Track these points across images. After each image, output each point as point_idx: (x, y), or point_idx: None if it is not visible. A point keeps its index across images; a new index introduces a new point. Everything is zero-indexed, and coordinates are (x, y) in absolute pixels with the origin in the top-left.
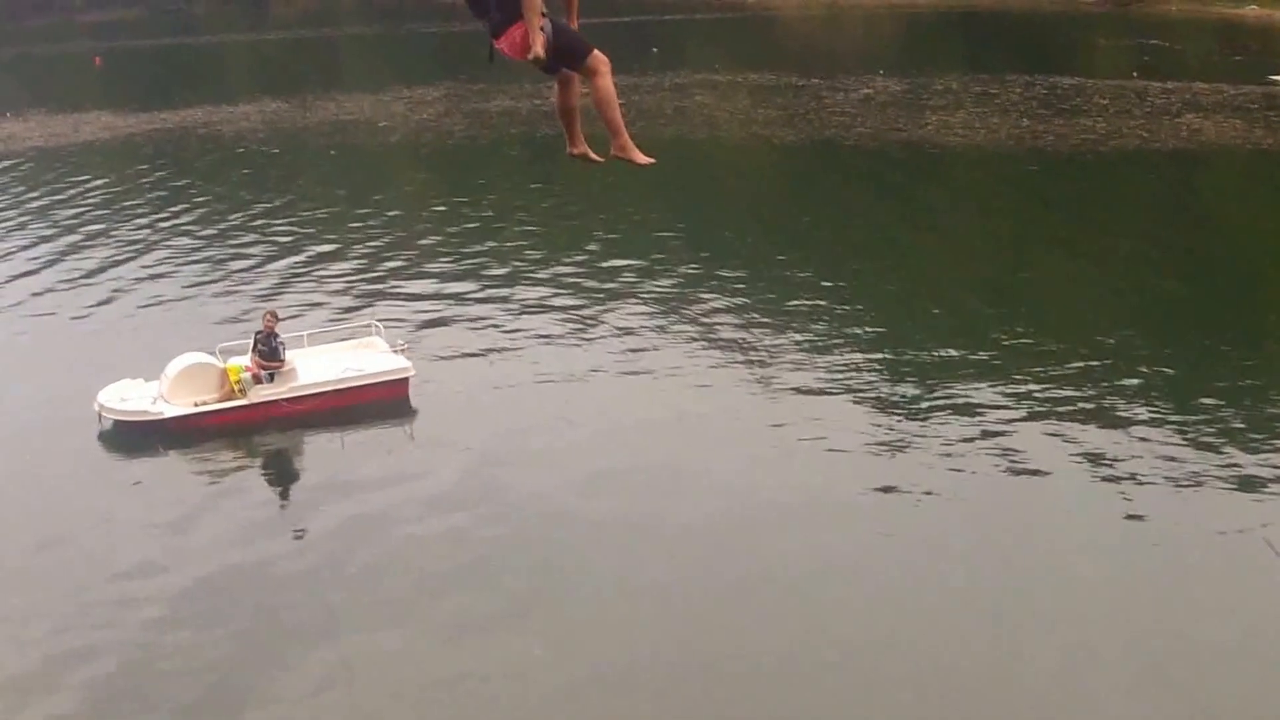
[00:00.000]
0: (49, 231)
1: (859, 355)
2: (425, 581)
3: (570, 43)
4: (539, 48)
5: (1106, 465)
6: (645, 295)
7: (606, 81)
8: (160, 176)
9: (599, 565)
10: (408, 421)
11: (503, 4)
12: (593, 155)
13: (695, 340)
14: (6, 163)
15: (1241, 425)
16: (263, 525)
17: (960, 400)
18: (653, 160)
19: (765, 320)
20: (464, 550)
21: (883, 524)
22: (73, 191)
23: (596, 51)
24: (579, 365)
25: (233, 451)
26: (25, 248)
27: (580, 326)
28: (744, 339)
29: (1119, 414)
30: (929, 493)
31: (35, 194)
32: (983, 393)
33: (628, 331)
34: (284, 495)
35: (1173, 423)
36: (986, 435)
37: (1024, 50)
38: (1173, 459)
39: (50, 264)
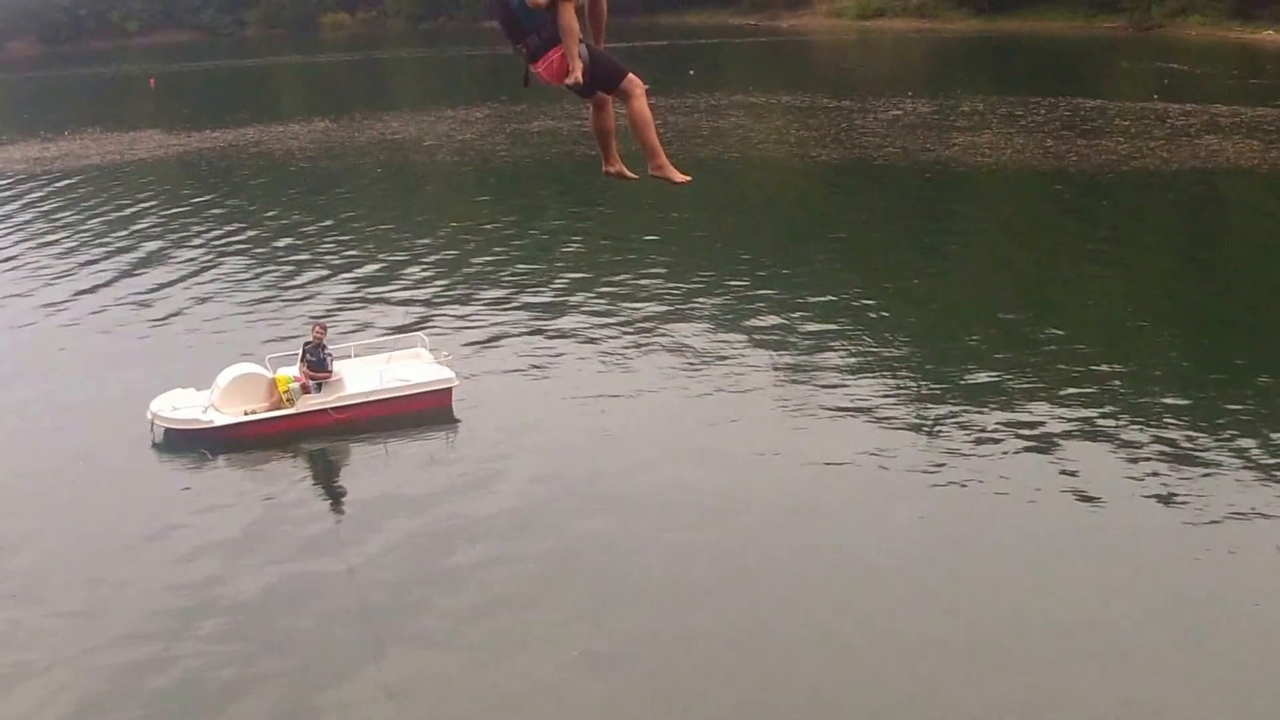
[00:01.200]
0: (104, 246)
1: (891, 370)
2: (467, 588)
3: (606, 66)
4: (579, 72)
5: (1128, 471)
6: (683, 309)
7: (642, 104)
8: (212, 193)
9: (641, 576)
10: (450, 431)
11: (540, 29)
12: (627, 173)
13: (732, 354)
14: (64, 180)
15: (1265, 435)
16: (308, 532)
17: (990, 412)
18: (689, 179)
19: (800, 335)
20: (505, 558)
21: (925, 533)
22: (127, 207)
23: (631, 75)
24: (618, 377)
25: (280, 459)
26: (82, 262)
27: (619, 339)
28: (779, 353)
29: (1142, 424)
30: (965, 503)
31: (91, 210)
32: (1012, 404)
33: (666, 344)
34: (329, 503)
35: (1198, 431)
36: (1018, 447)
37: (1048, 73)
38: (1198, 465)
39: (105, 277)
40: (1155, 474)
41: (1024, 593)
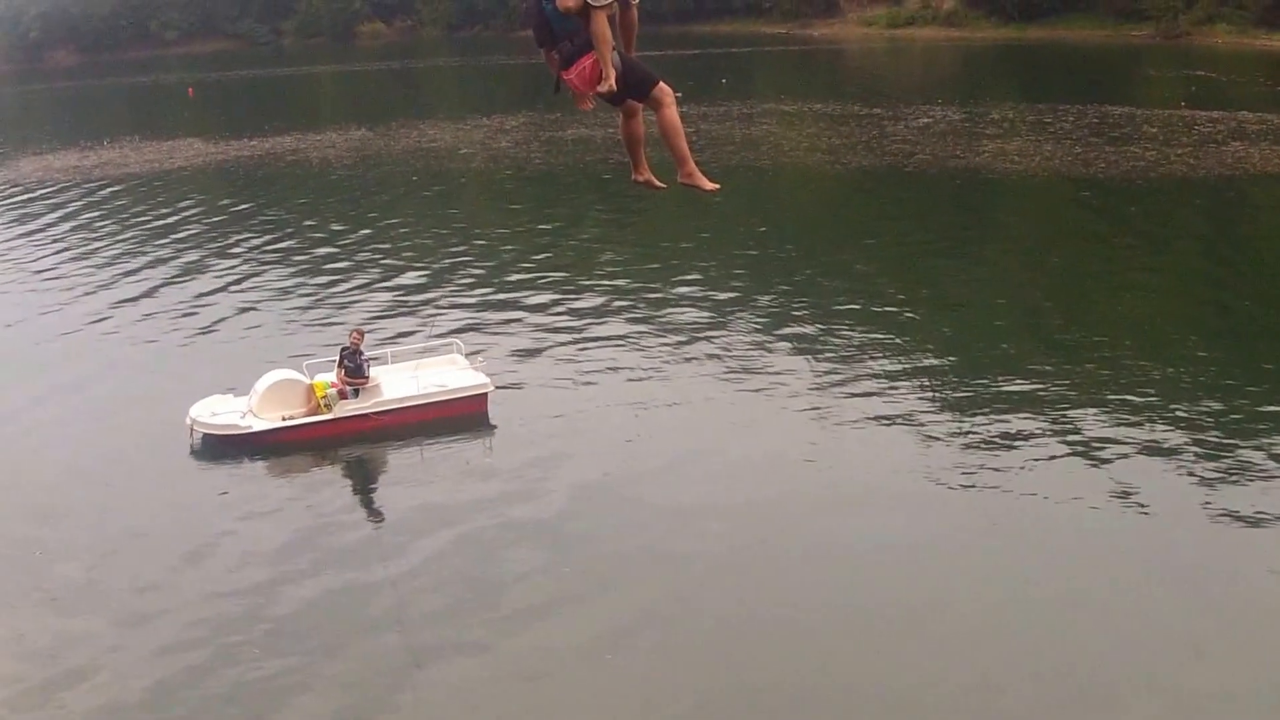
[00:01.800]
0: (144, 254)
1: (925, 377)
2: (504, 593)
3: (638, 74)
4: (613, 80)
5: (1164, 476)
6: (716, 316)
7: (672, 112)
8: (250, 201)
9: (679, 583)
10: (486, 436)
11: (573, 36)
12: (656, 182)
13: (766, 361)
14: (104, 188)
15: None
16: (345, 537)
17: (1024, 418)
18: (718, 186)
19: (834, 342)
20: (541, 563)
21: (967, 537)
22: (166, 216)
23: (662, 83)
24: (653, 383)
25: (318, 465)
26: (122, 270)
27: (653, 346)
28: (813, 360)
29: (1173, 428)
30: (1004, 506)
31: (130, 218)
32: (1046, 409)
33: (701, 350)
34: (366, 507)
35: (1231, 435)
36: (1053, 453)
37: (1076, 81)
38: (1229, 472)
39: (144, 285)
40: (1191, 474)
41: (1072, 607)
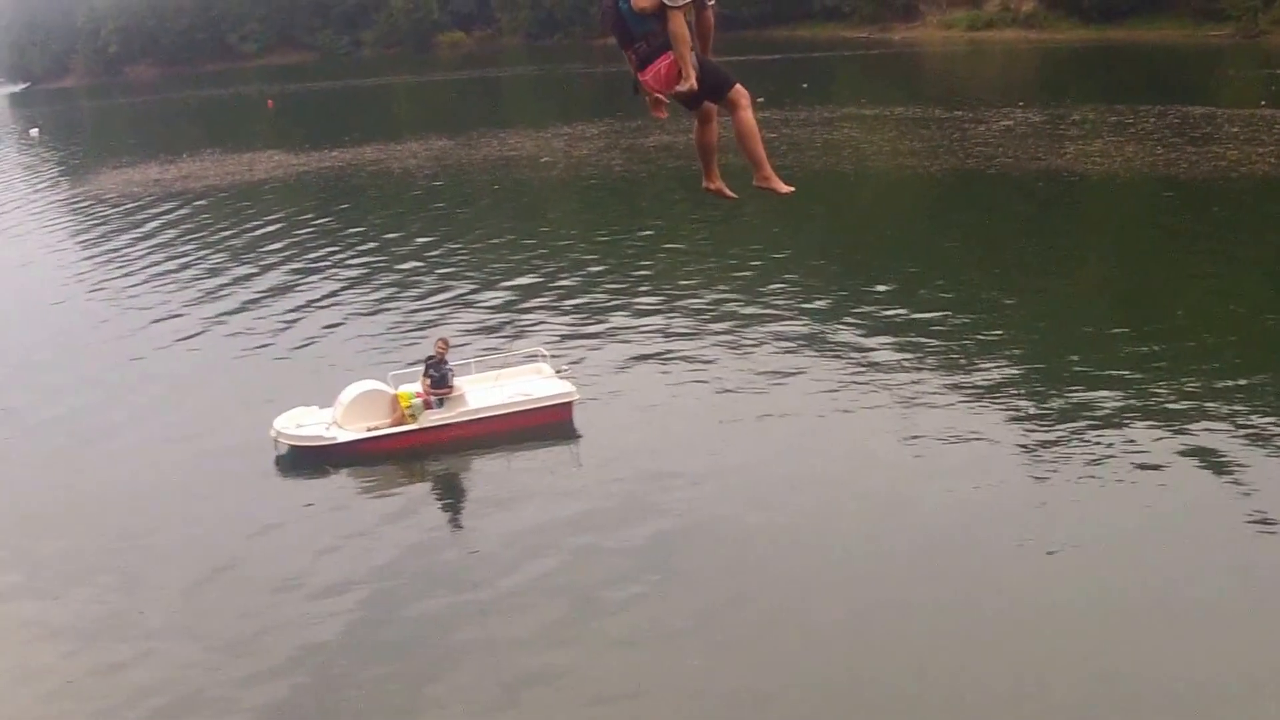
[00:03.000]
0: (227, 266)
1: (1004, 377)
2: (588, 603)
3: (714, 76)
4: (693, 79)
5: (1254, 487)
6: (799, 320)
7: (748, 114)
8: (332, 212)
9: (760, 582)
10: (571, 445)
11: (650, 36)
12: (727, 191)
13: (849, 364)
14: (186, 202)
15: None
16: (430, 547)
17: (1105, 420)
18: (793, 189)
19: (913, 343)
20: (626, 570)
21: (1035, 538)
22: (248, 228)
23: (739, 85)
24: (736, 388)
25: (403, 475)
26: (205, 283)
27: (737, 351)
28: (894, 362)
29: (1261, 436)
30: (1080, 512)
31: (212, 231)
32: (1125, 411)
33: (783, 355)
34: (451, 518)
35: None
36: (1131, 453)
37: (1156, 81)
38: None
39: (228, 298)
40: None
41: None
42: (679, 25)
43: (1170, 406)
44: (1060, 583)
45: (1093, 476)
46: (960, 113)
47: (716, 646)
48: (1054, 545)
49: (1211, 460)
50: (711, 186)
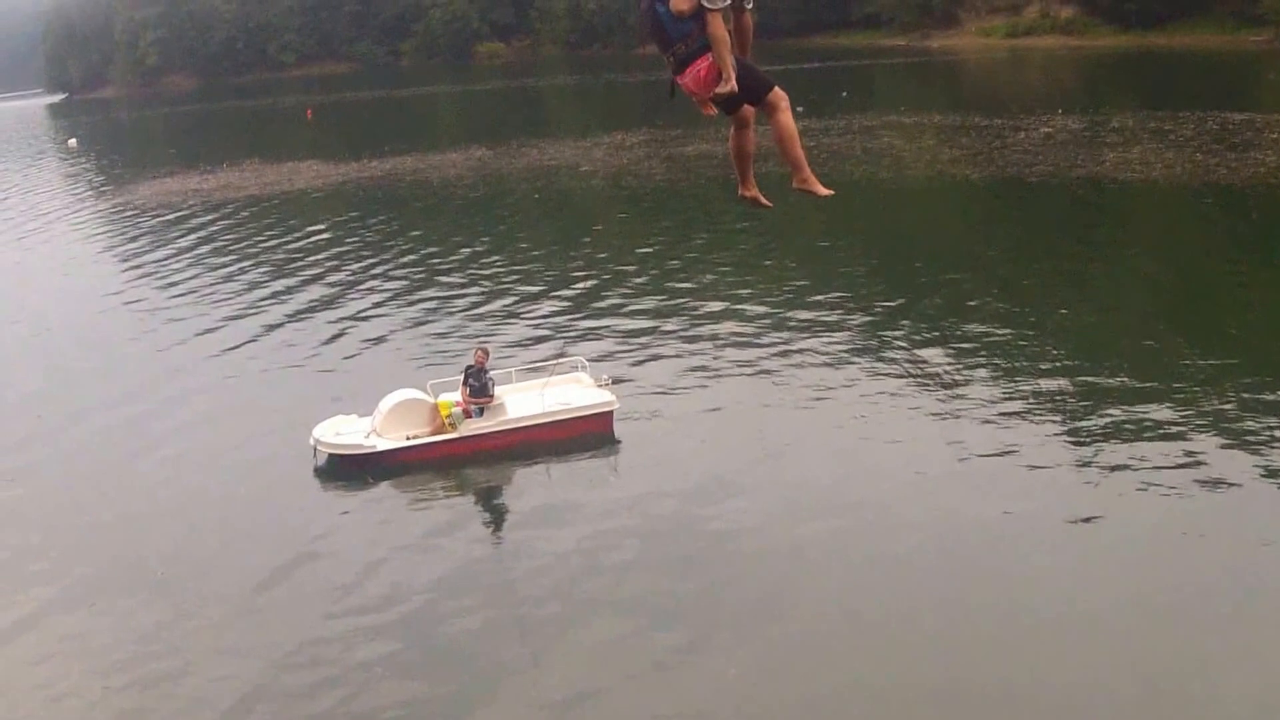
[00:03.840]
0: (266, 275)
1: (1043, 385)
2: (628, 612)
3: (753, 79)
4: (733, 80)
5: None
6: (842, 330)
7: (787, 117)
8: (371, 221)
9: (803, 595)
10: (612, 454)
11: (687, 39)
12: (762, 199)
13: (890, 372)
14: (225, 212)
15: None
16: (469, 558)
17: (1148, 428)
18: (832, 192)
19: (955, 351)
20: (668, 583)
21: (1084, 548)
22: (288, 237)
23: (777, 88)
24: (778, 398)
25: (442, 484)
26: (244, 292)
27: (777, 360)
28: (935, 369)
29: None
30: (1125, 520)
31: (252, 241)
32: (1168, 420)
33: (825, 366)
34: (491, 527)
35: None
36: (1176, 462)
37: (1195, 87)
38: None
39: (268, 306)
40: None
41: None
42: (717, 27)
43: (1215, 416)
44: (1108, 589)
45: (1141, 486)
46: (1000, 120)
47: (762, 660)
48: (1102, 552)
49: (1260, 470)
50: (747, 194)
